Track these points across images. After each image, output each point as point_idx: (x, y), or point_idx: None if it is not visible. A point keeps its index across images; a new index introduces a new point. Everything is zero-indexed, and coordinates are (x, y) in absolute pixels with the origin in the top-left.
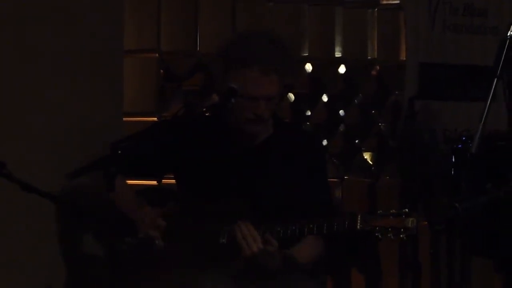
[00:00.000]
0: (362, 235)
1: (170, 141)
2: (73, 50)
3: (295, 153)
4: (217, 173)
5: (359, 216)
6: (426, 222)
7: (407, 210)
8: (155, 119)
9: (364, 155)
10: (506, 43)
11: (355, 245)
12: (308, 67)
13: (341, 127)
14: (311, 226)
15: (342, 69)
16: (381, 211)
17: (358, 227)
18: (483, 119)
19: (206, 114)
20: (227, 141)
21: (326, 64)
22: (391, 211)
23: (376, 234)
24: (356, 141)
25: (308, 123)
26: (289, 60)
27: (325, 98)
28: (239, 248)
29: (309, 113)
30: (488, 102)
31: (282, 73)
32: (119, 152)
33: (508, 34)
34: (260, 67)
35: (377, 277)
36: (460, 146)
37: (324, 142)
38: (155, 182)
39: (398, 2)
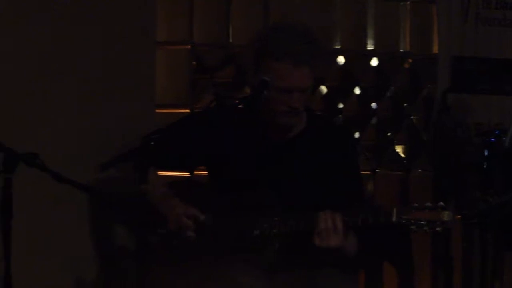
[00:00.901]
0: (396, 227)
1: (202, 133)
2: (106, 41)
3: (328, 146)
4: (250, 166)
5: (394, 209)
6: (459, 216)
7: (442, 203)
8: (187, 111)
9: (396, 148)
10: None
11: (388, 238)
12: (340, 59)
13: (373, 120)
14: (346, 219)
15: (374, 61)
16: (416, 204)
17: (394, 220)
18: None
19: (239, 106)
20: (260, 133)
21: (359, 57)
22: (427, 204)
23: (412, 227)
24: (388, 134)
25: (340, 115)
26: (321, 52)
27: (357, 90)
28: (317, 236)
29: (341, 105)
30: None
31: (314, 65)
32: (151, 144)
33: None
34: (292, 60)
35: (410, 271)
36: (493, 139)
37: (356, 135)
38: (187, 174)
39: None
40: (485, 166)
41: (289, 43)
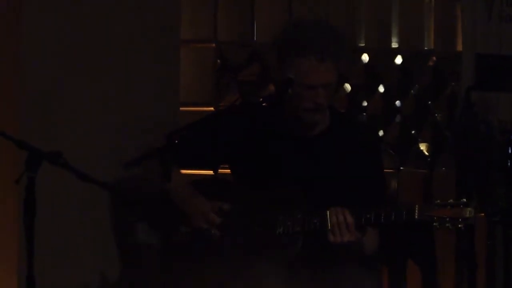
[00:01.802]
0: (419, 225)
1: (226, 131)
2: (130, 39)
3: (351, 144)
4: (273, 163)
5: (417, 206)
6: (483, 214)
7: (465, 200)
8: (212, 109)
9: (420, 146)
10: None
11: (411, 236)
12: (365, 57)
13: (397, 118)
14: (369, 216)
15: (398, 59)
16: (439, 201)
17: (416, 217)
18: None
19: (263, 105)
20: (284, 131)
21: (383, 55)
22: (449, 201)
23: (434, 224)
24: (412, 131)
25: (364, 113)
26: (344, 46)
27: (381, 88)
28: (329, 232)
29: (365, 103)
30: None
31: (338, 60)
32: (176, 142)
33: None
34: (316, 55)
35: (433, 268)
36: None
37: (380, 133)
38: (211, 172)
39: None
40: (508, 163)
41: (313, 39)
